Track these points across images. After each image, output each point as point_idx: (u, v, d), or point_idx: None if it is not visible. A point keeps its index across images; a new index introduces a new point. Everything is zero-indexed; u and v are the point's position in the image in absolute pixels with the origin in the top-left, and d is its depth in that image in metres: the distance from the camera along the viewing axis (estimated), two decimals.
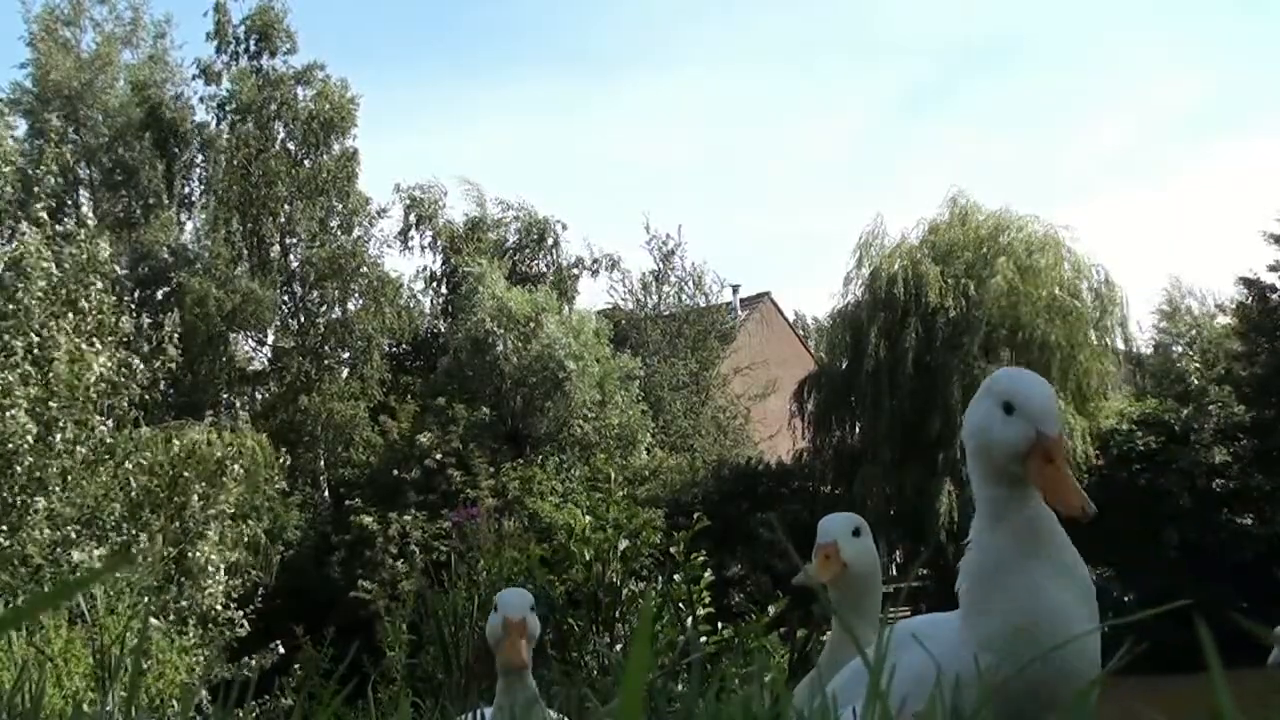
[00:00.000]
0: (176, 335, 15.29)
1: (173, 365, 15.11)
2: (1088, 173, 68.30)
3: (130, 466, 13.59)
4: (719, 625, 7.18)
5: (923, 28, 69.31)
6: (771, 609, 6.95)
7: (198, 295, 28.56)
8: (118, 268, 14.62)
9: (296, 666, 11.34)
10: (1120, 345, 29.16)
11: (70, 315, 13.37)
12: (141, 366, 14.19)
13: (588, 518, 7.33)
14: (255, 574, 16.64)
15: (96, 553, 12.53)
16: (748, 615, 7.17)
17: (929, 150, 69.26)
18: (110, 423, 13.52)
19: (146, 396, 14.34)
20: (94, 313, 13.66)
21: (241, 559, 15.72)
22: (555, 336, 28.01)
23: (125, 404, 13.88)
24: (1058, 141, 70.80)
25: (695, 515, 7.17)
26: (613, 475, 7.43)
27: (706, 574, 6.89)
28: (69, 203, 29.79)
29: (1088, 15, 71.96)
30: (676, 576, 6.73)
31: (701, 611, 6.83)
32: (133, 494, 13.57)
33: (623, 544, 7.08)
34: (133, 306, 15.28)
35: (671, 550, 6.92)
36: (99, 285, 13.94)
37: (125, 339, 14.28)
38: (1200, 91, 68.17)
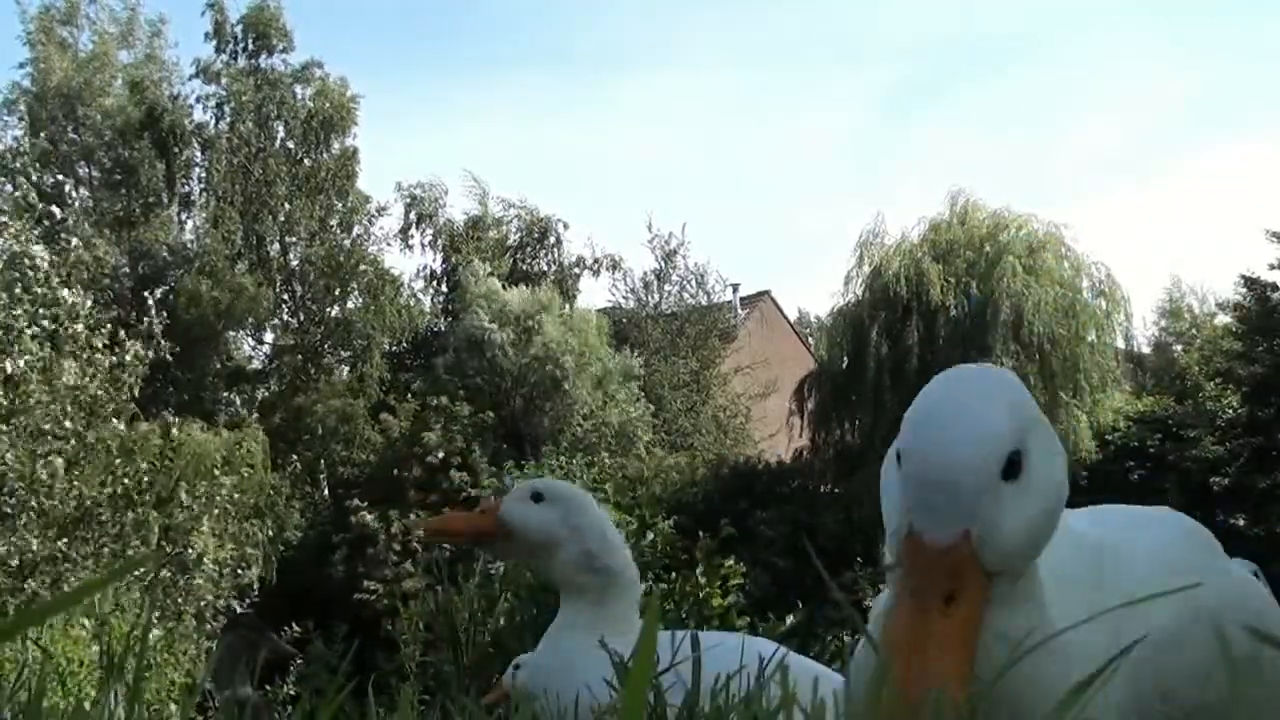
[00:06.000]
0: (161, 330, 15.03)
1: (159, 357, 14.86)
2: (1087, 172, 68.26)
3: (126, 464, 13.52)
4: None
5: (922, 27, 69.27)
6: (790, 618, 6.92)
7: (194, 294, 28.54)
8: (99, 269, 14.47)
9: (299, 660, 11.35)
10: (1120, 344, 29.16)
11: (45, 324, 13.22)
12: (129, 362, 14.01)
13: (613, 510, 7.28)
14: (254, 569, 16.58)
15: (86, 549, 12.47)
16: (754, 618, 7.14)
17: (928, 149, 69.09)
18: (98, 421, 13.38)
19: (137, 393, 14.22)
20: (72, 321, 13.50)
21: (238, 553, 15.68)
22: (553, 335, 27.94)
23: (117, 398, 13.75)
24: (1056, 140, 70.67)
25: (723, 521, 7.12)
26: (645, 471, 7.41)
27: (735, 581, 6.86)
28: (69, 201, 29.78)
29: (1086, 13, 71.95)
30: (703, 580, 6.69)
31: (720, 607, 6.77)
32: (119, 490, 13.47)
33: (648, 537, 7.03)
34: (118, 309, 15.15)
35: (695, 552, 6.88)
36: (76, 291, 13.83)
37: (114, 338, 14.13)
38: (1200, 90, 68.16)
